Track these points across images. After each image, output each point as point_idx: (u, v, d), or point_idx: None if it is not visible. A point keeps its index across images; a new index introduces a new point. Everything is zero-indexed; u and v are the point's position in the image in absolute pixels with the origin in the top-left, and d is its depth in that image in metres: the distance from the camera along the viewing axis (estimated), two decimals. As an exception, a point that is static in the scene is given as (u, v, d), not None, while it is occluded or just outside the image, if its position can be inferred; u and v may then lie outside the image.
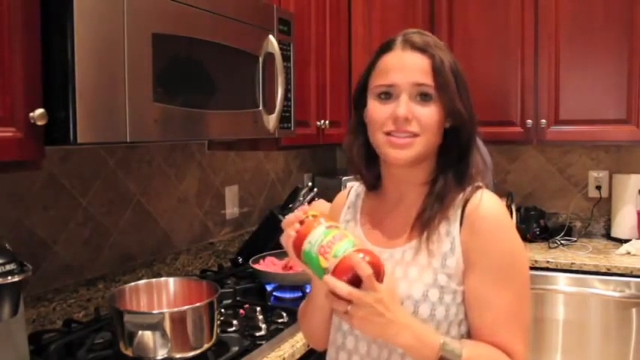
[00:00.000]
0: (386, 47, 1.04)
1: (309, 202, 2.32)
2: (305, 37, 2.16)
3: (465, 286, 0.99)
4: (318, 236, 0.91)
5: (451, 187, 1.03)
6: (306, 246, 0.92)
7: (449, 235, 1.00)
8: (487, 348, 0.97)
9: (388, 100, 1.01)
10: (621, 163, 2.95)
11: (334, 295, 0.87)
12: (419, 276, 0.99)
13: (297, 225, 0.95)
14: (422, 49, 1.01)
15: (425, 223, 1.02)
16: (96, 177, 1.73)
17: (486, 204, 1.00)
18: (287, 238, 0.96)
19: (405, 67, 1.00)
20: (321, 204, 2.03)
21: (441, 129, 1.03)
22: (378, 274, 0.88)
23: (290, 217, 0.97)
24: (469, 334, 1.01)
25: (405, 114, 0.98)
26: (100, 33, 1.14)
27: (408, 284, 0.99)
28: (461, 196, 1.02)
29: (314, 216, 0.95)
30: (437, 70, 0.99)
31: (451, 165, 1.04)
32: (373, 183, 1.13)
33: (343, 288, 0.86)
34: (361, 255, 0.88)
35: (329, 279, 0.87)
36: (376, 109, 1.02)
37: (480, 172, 1.04)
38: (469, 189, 1.02)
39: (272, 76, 1.73)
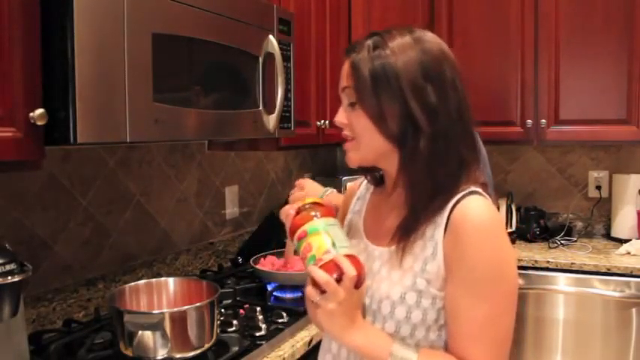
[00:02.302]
0: None
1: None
2: (305, 37, 2.16)
3: (445, 294, 0.96)
4: (311, 230, 0.96)
5: (426, 193, 0.98)
6: (299, 236, 0.97)
7: (432, 239, 0.97)
8: (446, 359, 0.95)
9: None
10: (621, 163, 2.95)
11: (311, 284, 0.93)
12: (400, 278, 0.99)
13: (292, 212, 0.99)
14: (348, 52, 1.02)
15: (408, 225, 1.00)
16: (96, 177, 1.73)
17: (473, 211, 0.95)
18: (286, 218, 1.01)
19: (341, 74, 1.05)
20: (307, 182, 2.02)
21: (385, 130, 0.97)
22: (358, 281, 0.93)
23: (293, 198, 1.01)
24: None
25: (336, 121, 1.04)
26: (100, 33, 1.14)
27: (389, 285, 0.99)
28: (451, 201, 0.97)
29: (313, 203, 0.99)
30: (352, 71, 1.00)
31: (411, 172, 0.99)
32: (376, 180, 1.15)
33: (323, 276, 0.90)
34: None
35: (312, 268, 0.92)
36: None
37: (475, 175, 1.00)
38: (461, 193, 0.97)
39: (272, 76, 1.73)
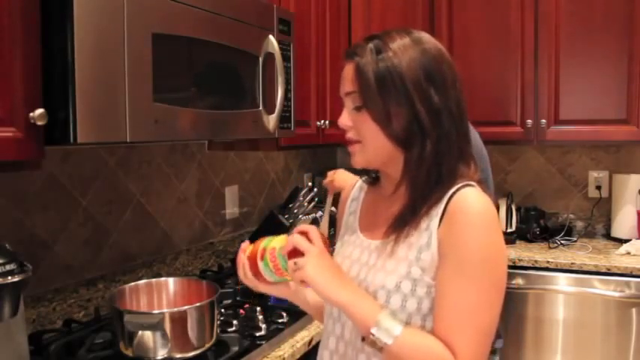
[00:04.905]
0: None
1: (310, 202, 2.33)
2: (305, 37, 2.16)
3: (435, 279, 0.98)
4: (263, 245, 1.06)
5: (425, 186, 1.00)
6: (260, 257, 1.06)
7: (427, 229, 0.99)
8: (429, 340, 0.95)
9: None
10: (621, 163, 2.95)
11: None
12: (395, 268, 1.00)
13: (245, 260, 1.09)
14: (350, 55, 1.02)
15: (405, 217, 1.02)
16: (96, 177, 1.73)
17: (469, 202, 0.97)
18: (243, 274, 1.10)
19: (342, 77, 1.05)
20: (342, 173, 2.08)
21: (392, 133, 0.98)
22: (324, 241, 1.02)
23: (239, 259, 1.12)
24: None
25: (340, 122, 1.05)
26: (100, 33, 1.14)
27: (384, 275, 1.01)
28: (447, 193, 0.99)
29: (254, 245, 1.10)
30: (357, 75, 1.00)
31: (412, 166, 1.01)
32: (371, 180, 1.17)
33: (297, 240, 0.98)
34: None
35: (291, 239, 1.00)
36: None
37: (466, 170, 1.03)
38: (456, 186, 0.99)
39: (272, 76, 1.73)
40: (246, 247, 1.11)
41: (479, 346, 0.95)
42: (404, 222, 1.02)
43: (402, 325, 0.94)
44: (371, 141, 1.01)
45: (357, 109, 1.01)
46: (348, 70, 1.02)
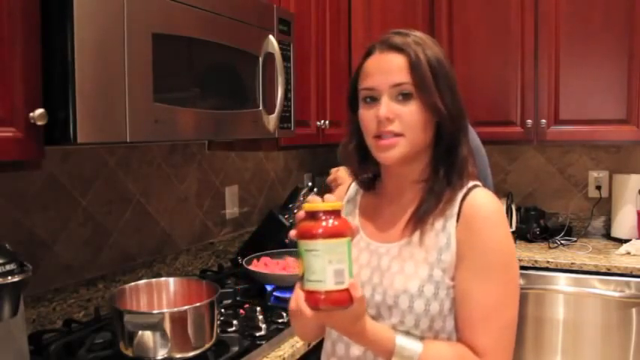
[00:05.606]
0: (368, 51, 1.07)
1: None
2: (305, 37, 2.16)
3: (455, 280, 1.00)
4: (300, 252, 0.89)
5: (444, 182, 1.03)
6: (300, 248, 0.89)
7: (445, 230, 1.01)
8: (449, 347, 0.99)
9: (373, 104, 1.03)
10: (621, 163, 2.95)
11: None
12: (415, 271, 1.01)
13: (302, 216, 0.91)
14: (399, 49, 1.02)
15: (421, 218, 1.03)
16: (96, 177, 1.73)
17: (483, 201, 1.02)
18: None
19: (383, 69, 1.02)
20: (344, 170, 2.05)
21: (430, 124, 1.03)
22: (340, 302, 0.87)
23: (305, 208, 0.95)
24: None
25: (385, 114, 1.00)
26: (100, 33, 1.15)
27: (405, 279, 1.00)
28: (459, 194, 1.03)
29: (326, 212, 0.88)
30: (413, 67, 1.00)
31: (441, 160, 1.05)
32: (368, 184, 1.15)
33: (307, 313, 0.87)
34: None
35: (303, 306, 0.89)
36: (363, 115, 1.04)
37: (473, 170, 1.06)
38: (467, 187, 1.03)
39: (272, 76, 1.73)
40: (300, 218, 0.91)
41: (506, 341, 0.99)
42: (420, 222, 1.02)
43: (420, 342, 0.96)
44: (414, 132, 1.01)
45: (406, 99, 1.00)
46: (394, 62, 1.01)
